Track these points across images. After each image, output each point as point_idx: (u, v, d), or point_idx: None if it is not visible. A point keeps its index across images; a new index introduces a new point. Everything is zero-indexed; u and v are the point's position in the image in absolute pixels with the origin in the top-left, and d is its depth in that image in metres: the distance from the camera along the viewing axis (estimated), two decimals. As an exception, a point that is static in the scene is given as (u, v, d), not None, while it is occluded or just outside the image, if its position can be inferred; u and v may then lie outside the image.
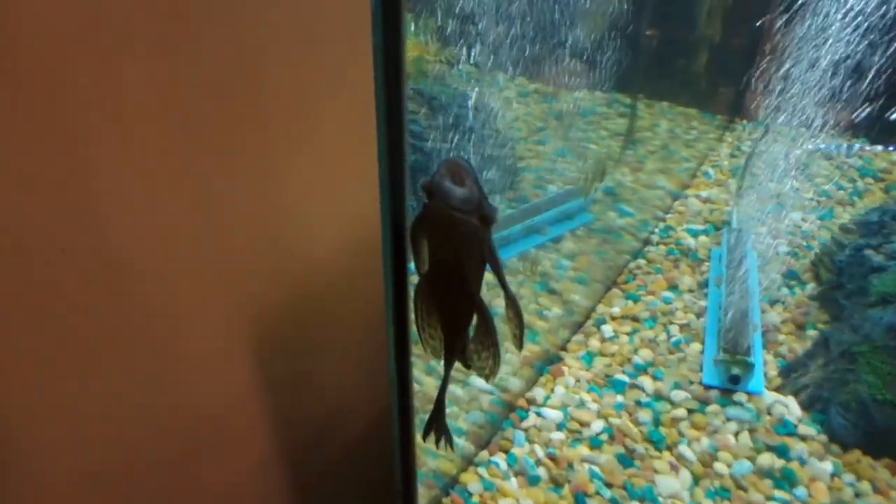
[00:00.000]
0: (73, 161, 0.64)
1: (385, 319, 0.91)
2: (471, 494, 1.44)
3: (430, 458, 1.48)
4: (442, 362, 0.90)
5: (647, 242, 2.50)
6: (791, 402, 1.68)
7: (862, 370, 1.61)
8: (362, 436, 1.24)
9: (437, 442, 0.94)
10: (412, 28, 2.55)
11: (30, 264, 0.64)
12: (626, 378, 1.76)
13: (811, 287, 2.21)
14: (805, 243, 2.51)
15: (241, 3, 0.77)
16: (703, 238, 2.53)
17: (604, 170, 2.25)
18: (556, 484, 1.46)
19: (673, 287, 2.22)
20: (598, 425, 1.60)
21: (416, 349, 0.90)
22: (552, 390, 1.71)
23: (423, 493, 1.43)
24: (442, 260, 0.78)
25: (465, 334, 0.87)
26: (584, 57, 2.50)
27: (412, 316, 0.85)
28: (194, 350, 0.85)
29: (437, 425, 0.93)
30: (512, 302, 0.79)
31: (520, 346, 0.84)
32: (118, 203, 0.70)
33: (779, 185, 2.97)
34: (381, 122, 0.82)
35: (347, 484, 1.25)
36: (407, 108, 0.83)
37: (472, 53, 2.12)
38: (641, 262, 2.36)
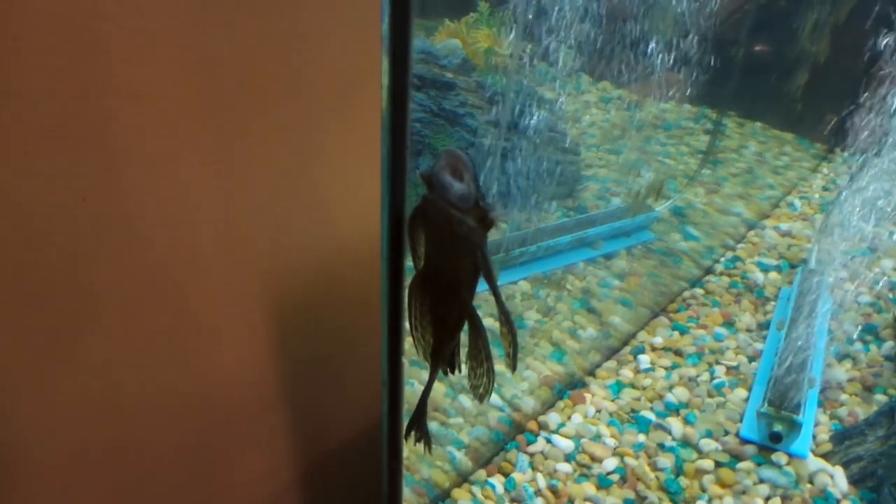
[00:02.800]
0: (97, 111, 0.64)
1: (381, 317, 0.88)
2: (460, 513, 1.36)
3: (425, 466, 1.42)
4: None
5: (708, 271, 2.31)
6: (838, 472, 1.49)
7: (928, 452, 1.40)
8: (372, 430, 1.21)
9: (417, 442, 0.91)
10: (487, 18, 2.47)
11: (51, 210, 0.63)
12: (652, 416, 1.62)
13: (890, 345, 1.97)
14: (891, 295, 2.24)
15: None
16: (773, 275, 2.32)
17: (661, 187, 2.09)
18: (553, 519, 1.36)
19: (728, 323, 2.03)
20: (611, 463, 1.48)
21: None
22: (569, 417, 1.60)
23: (412, 500, 1.37)
24: (436, 258, 0.75)
25: (454, 341, 0.83)
26: (676, 66, 2.34)
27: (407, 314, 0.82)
28: (209, 320, 0.83)
29: (418, 426, 0.90)
30: (506, 317, 0.75)
31: (512, 367, 0.79)
32: (141, 158, 0.69)
33: (873, 228, 2.68)
34: (386, 110, 0.78)
35: (348, 479, 1.22)
36: (411, 98, 0.78)
37: (551, 51, 2.02)
38: (698, 291, 2.18)
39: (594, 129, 3.25)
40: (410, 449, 1.39)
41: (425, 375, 1.16)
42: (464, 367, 0.87)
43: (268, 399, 0.95)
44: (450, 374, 0.89)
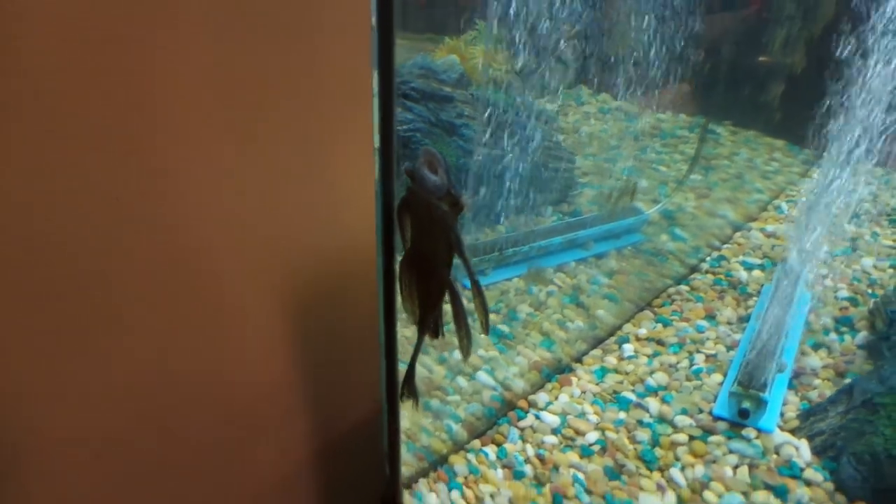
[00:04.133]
0: (132, 114, 0.68)
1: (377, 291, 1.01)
2: (456, 474, 1.52)
3: (425, 435, 1.58)
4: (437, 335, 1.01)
5: (694, 270, 2.46)
6: (803, 445, 1.63)
7: (881, 422, 1.54)
8: (376, 418, 1.25)
9: (407, 399, 1.06)
10: (483, 34, 2.66)
11: (86, 211, 0.67)
12: (633, 397, 1.77)
13: (863, 335, 2.10)
14: (870, 290, 2.37)
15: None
16: (756, 272, 2.46)
17: (633, 190, 2.25)
18: (539, 482, 1.51)
19: (710, 317, 2.18)
20: (593, 436, 1.63)
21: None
22: (556, 397, 1.76)
23: (412, 464, 1.52)
24: (419, 240, 0.90)
25: (437, 310, 0.98)
26: (672, 78, 2.49)
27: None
28: (223, 315, 0.87)
29: (408, 384, 1.05)
30: (476, 287, 0.89)
31: (485, 330, 0.94)
32: (163, 161, 0.72)
33: (857, 230, 2.82)
34: (377, 118, 0.93)
35: (354, 465, 1.27)
36: (395, 104, 0.94)
37: (549, 66, 2.19)
38: (683, 288, 2.33)
39: (591, 138, 3.42)
40: (410, 420, 1.55)
41: (426, 359, 1.35)
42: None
43: (279, 388, 1.01)
44: (437, 340, 1.06)
